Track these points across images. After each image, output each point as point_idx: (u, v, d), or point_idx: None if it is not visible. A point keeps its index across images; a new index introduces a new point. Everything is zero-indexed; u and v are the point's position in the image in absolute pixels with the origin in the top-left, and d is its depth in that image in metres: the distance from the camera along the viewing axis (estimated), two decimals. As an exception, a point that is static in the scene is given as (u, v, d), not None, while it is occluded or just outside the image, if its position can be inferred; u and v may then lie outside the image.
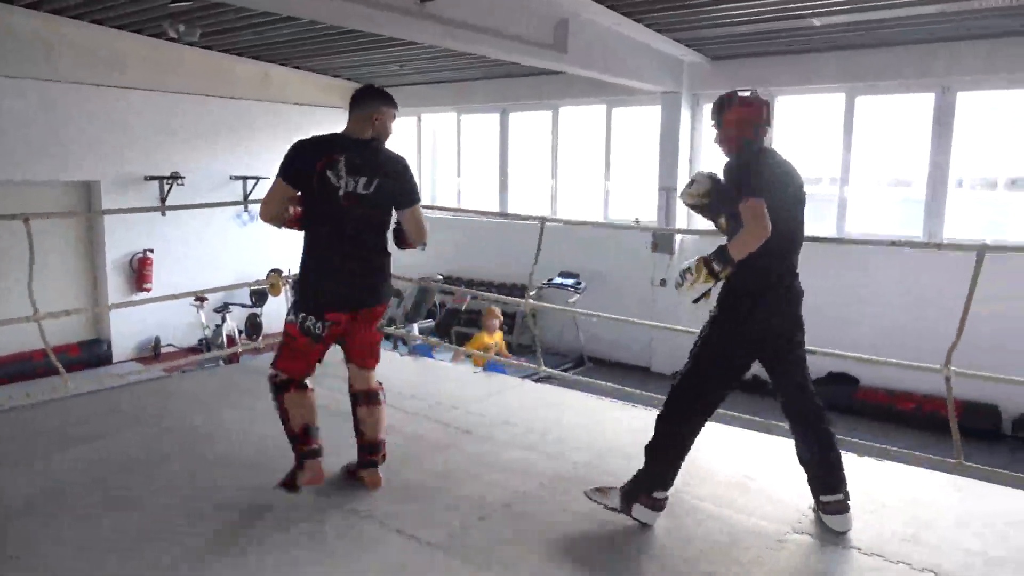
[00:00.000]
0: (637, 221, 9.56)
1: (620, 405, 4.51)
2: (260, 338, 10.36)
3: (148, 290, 9.59)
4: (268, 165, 10.65)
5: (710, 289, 2.91)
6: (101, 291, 9.57)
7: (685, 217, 9.76)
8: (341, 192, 3.04)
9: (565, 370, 8.24)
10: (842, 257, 8.14)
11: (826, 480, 2.98)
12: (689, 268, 2.91)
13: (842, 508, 2.96)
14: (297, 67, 11.03)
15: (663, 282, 9.71)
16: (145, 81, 9.49)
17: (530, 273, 5.22)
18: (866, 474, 3.47)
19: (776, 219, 2.72)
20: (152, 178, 9.66)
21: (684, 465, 2.98)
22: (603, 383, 4.92)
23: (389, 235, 3.30)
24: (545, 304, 6.95)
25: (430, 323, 8.44)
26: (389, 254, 3.25)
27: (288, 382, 3.16)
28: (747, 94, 3.02)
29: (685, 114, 9.42)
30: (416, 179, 3.34)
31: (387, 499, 3.21)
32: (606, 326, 9.40)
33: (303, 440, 3.15)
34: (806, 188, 3.04)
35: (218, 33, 8.86)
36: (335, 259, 3.13)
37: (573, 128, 10.90)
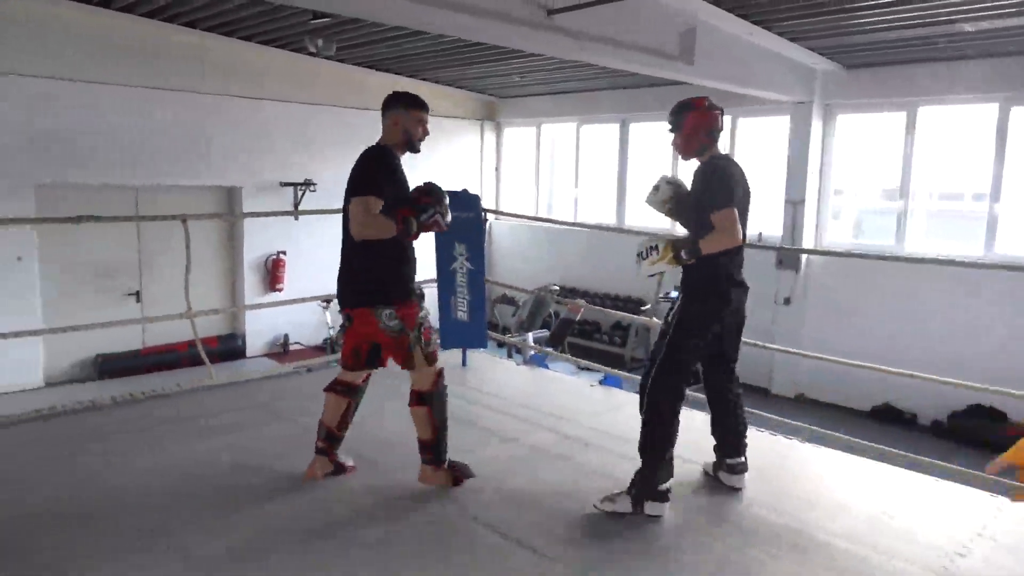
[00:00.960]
0: (760, 236, 9.22)
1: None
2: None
3: (280, 289, 10.15)
4: (393, 173, 11.13)
5: (663, 272, 3.32)
6: (239, 289, 10.21)
7: (812, 232, 9.34)
8: None
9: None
10: (992, 282, 7.55)
11: (736, 445, 3.44)
12: (656, 247, 3.19)
13: (742, 469, 3.44)
14: (425, 79, 11.39)
15: (787, 300, 9.33)
16: (284, 93, 10.07)
17: (656, 289, 5.06)
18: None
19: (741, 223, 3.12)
20: (287, 184, 10.23)
21: (812, 497, 2.86)
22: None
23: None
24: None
25: (545, 333, 8.47)
26: (372, 257, 3.18)
27: (335, 380, 3.45)
28: (706, 102, 3.27)
29: (816, 125, 9.00)
30: (371, 171, 3.17)
31: (504, 507, 3.23)
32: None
33: (318, 434, 3.46)
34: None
35: (353, 47, 9.29)
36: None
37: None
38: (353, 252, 3.23)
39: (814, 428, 4.25)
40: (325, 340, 10.22)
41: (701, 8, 6.73)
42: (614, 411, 4.61)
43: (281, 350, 10.34)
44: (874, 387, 8.37)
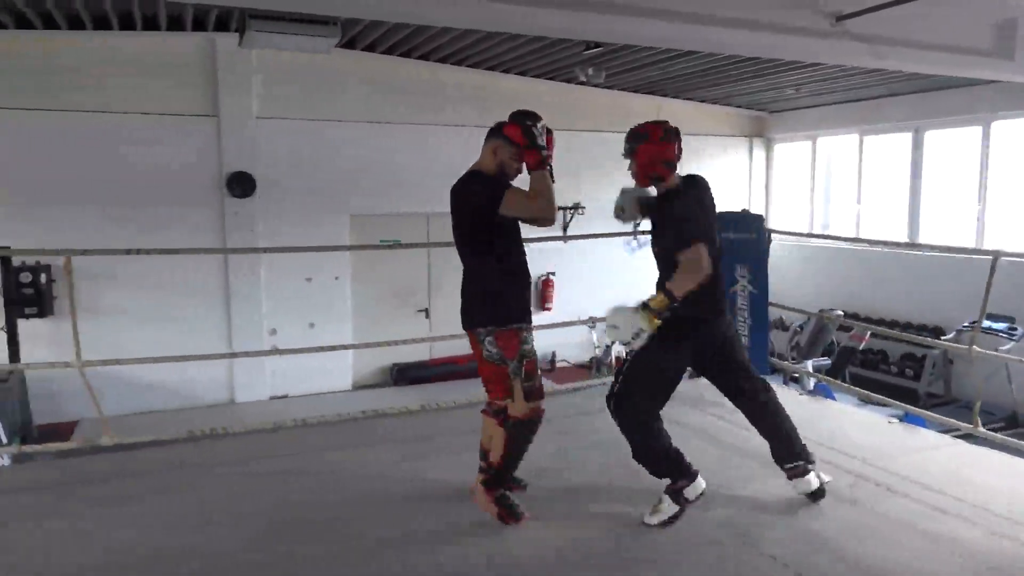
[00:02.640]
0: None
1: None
2: (642, 361, 10.76)
3: (548, 309, 10.62)
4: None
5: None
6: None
7: None
8: None
9: (994, 429, 6.96)
10: None
11: (783, 450, 3.36)
12: (640, 331, 2.92)
13: (802, 472, 3.34)
14: (689, 98, 11.28)
15: None
16: (554, 122, 10.52)
17: (979, 316, 4.43)
18: None
19: (712, 252, 3.02)
20: (560, 208, 10.69)
21: None
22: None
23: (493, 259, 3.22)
24: (989, 352, 5.89)
25: (826, 361, 7.86)
26: (486, 278, 3.18)
27: (488, 403, 3.40)
28: (661, 132, 3.14)
29: None
30: (496, 185, 3.13)
31: (799, 544, 3.05)
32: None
33: (480, 456, 3.40)
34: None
35: (620, 73, 9.50)
36: None
37: (1007, 144, 9.27)
38: (466, 275, 3.29)
39: None
40: (591, 359, 10.47)
41: (1025, -4, 5.86)
42: (921, 453, 4.13)
43: (549, 367, 10.79)
44: None
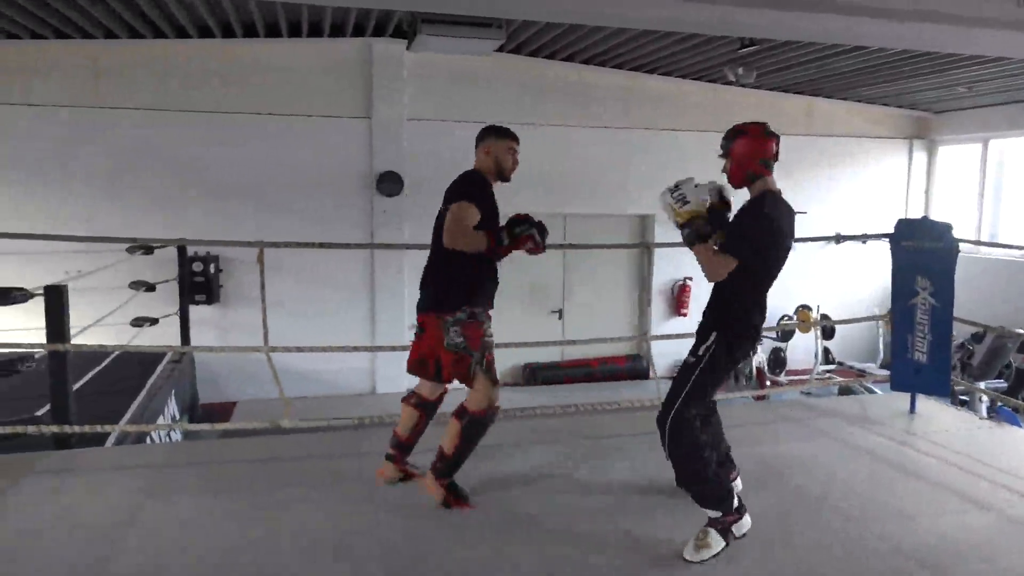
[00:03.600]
0: None
1: None
2: (783, 373, 10.29)
3: (685, 315, 10.36)
4: (805, 199, 10.61)
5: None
6: (646, 312, 10.67)
7: None
8: None
9: None
10: None
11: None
12: (686, 199, 2.93)
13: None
14: (844, 99, 10.67)
15: None
16: (699, 123, 10.28)
17: None
18: None
19: (759, 272, 2.96)
20: (698, 212, 10.41)
21: None
22: None
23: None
24: None
25: (1001, 384, 7.19)
26: (449, 263, 3.27)
27: (411, 392, 3.56)
28: (762, 129, 3.04)
29: None
30: (468, 185, 3.33)
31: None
32: None
33: (390, 442, 3.54)
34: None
35: (771, 73, 9.11)
36: None
37: None
38: (436, 261, 3.37)
39: None
40: (729, 368, 10.11)
41: None
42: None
43: (682, 374, 10.52)
44: None
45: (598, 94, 9.71)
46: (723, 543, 2.99)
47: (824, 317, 9.73)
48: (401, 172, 9.09)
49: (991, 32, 5.09)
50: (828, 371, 9.28)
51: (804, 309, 10.28)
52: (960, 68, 8.31)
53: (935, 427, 4.58)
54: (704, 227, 2.95)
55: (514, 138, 3.53)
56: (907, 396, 4.75)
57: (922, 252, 4.21)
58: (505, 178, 3.52)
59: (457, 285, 3.32)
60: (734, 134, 3.12)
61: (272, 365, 3.97)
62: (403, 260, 9.29)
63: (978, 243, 6.20)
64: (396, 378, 9.38)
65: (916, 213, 11.48)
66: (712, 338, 3.03)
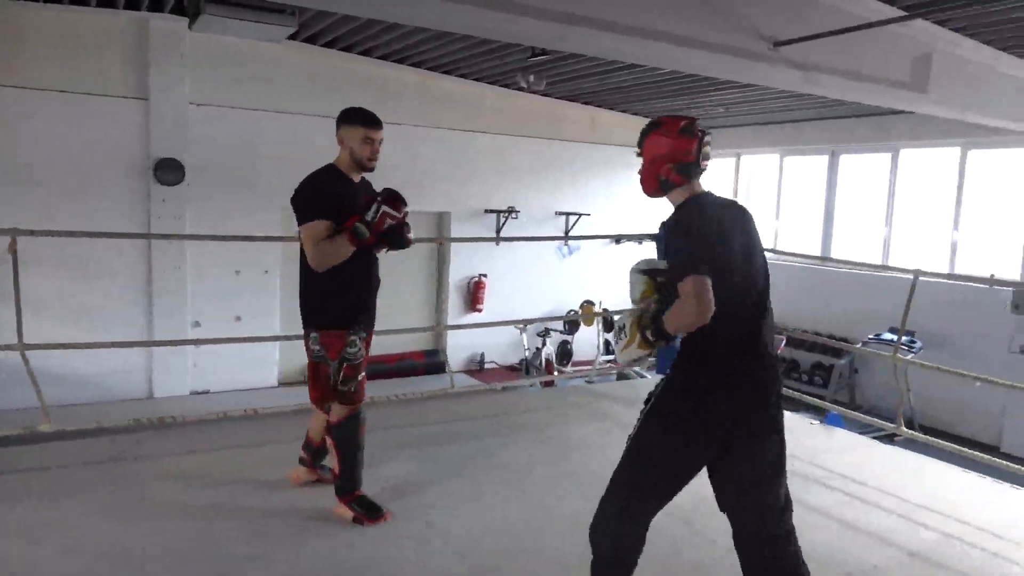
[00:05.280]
0: (992, 277, 8.41)
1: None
2: (569, 364, 10.99)
3: (480, 310, 10.69)
4: (589, 202, 11.41)
5: (648, 354, 2.35)
6: (443, 308, 10.88)
7: (1057, 275, 8.40)
8: None
9: (890, 436, 7.49)
10: None
11: None
12: (624, 327, 2.35)
13: None
14: (623, 111, 11.60)
15: (1023, 349, 8.43)
16: (491, 126, 10.66)
17: (900, 328, 4.81)
18: None
19: (729, 285, 2.22)
20: (491, 211, 10.80)
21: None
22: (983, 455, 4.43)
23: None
24: (923, 362, 6.26)
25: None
26: (311, 280, 3.18)
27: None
28: (681, 123, 2.41)
29: (1066, 157, 8.13)
30: (304, 197, 3.12)
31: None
32: (945, 391, 8.43)
33: (303, 445, 3.54)
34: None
35: (561, 82, 9.69)
36: None
37: (914, 172, 9.99)
38: (301, 274, 3.24)
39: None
40: (521, 361, 10.60)
41: (940, 35, 6.37)
42: (840, 453, 4.44)
43: (478, 367, 10.86)
44: None
45: (394, 90, 9.72)
46: None
47: (605, 311, 10.53)
48: (182, 159, 8.47)
49: (747, 63, 5.81)
50: (608, 361, 10.04)
51: (587, 304, 11.04)
52: (715, 91, 9.38)
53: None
54: (647, 319, 2.29)
55: (369, 124, 3.20)
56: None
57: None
58: (367, 168, 3.24)
59: (315, 300, 3.20)
60: (648, 129, 2.49)
61: (28, 364, 3.56)
62: (185, 253, 8.67)
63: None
64: (175, 381, 8.77)
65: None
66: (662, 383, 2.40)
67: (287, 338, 5.01)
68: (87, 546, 2.94)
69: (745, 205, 2.58)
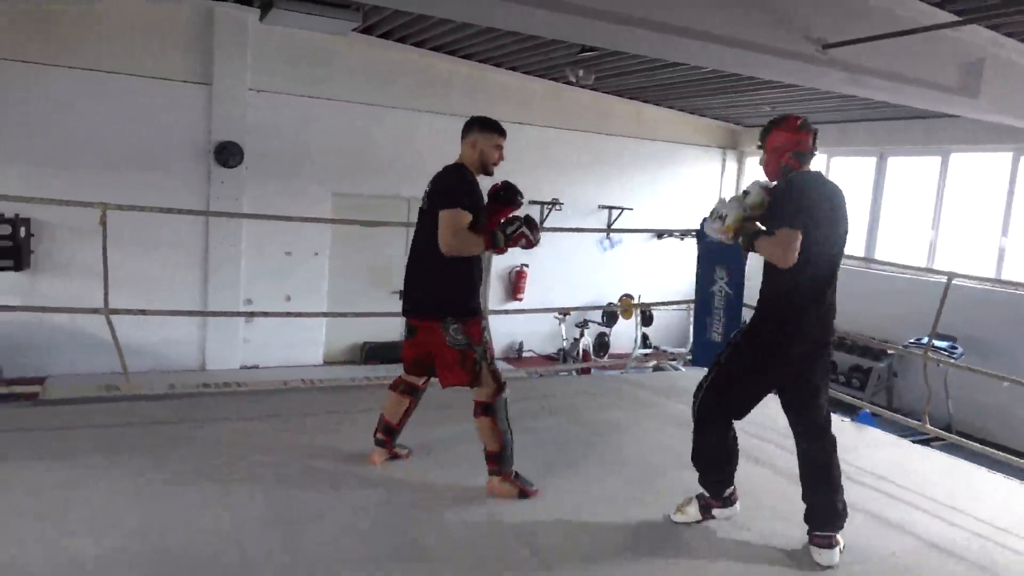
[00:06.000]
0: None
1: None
2: (606, 356, 11.13)
3: (520, 299, 10.90)
4: (632, 197, 11.50)
5: (726, 239, 3.10)
6: (484, 295, 11.09)
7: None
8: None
9: (927, 441, 7.48)
10: None
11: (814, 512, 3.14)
12: (724, 216, 3.04)
13: (829, 543, 3.10)
14: (670, 107, 11.65)
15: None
16: (540, 119, 10.83)
17: (931, 332, 4.85)
18: None
19: (817, 253, 2.93)
20: (535, 202, 10.98)
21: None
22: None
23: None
24: (953, 362, 6.26)
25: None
26: (445, 270, 3.28)
27: (399, 379, 3.65)
28: (799, 121, 3.05)
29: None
30: (457, 185, 3.30)
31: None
32: (985, 395, 8.40)
33: (378, 427, 3.66)
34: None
35: (608, 77, 9.80)
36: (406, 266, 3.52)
37: (964, 175, 9.88)
38: (426, 263, 3.36)
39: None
40: (559, 351, 10.78)
41: (993, 39, 6.35)
42: (871, 449, 4.53)
43: (516, 355, 11.07)
44: None
45: (446, 81, 9.94)
46: (699, 518, 3.33)
47: (643, 305, 10.64)
48: (241, 143, 8.83)
49: (796, 64, 5.88)
50: (646, 354, 10.18)
51: (626, 297, 11.16)
52: (760, 90, 9.40)
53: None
54: (751, 226, 3.04)
55: (501, 133, 3.53)
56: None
57: (721, 246, 4.87)
58: (488, 172, 3.50)
59: (452, 290, 3.34)
60: (771, 125, 3.13)
61: (112, 328, 3.87)
62: (241, 232, 9.04)
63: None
64: (226, 355, 9.17)
65: (725, 215, 12.77)
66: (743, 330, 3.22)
67: (341, 315, 5.26)
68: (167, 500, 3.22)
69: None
